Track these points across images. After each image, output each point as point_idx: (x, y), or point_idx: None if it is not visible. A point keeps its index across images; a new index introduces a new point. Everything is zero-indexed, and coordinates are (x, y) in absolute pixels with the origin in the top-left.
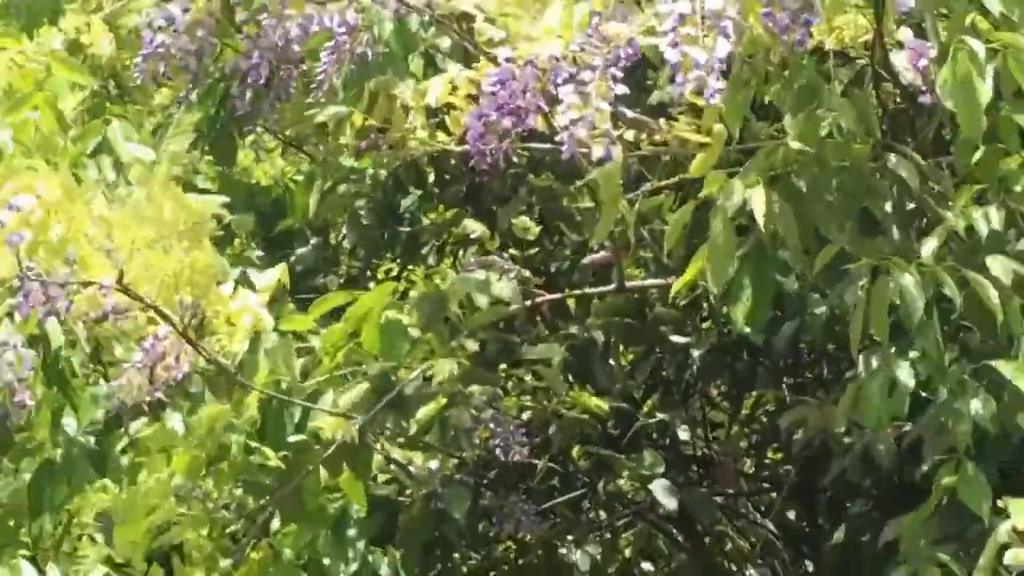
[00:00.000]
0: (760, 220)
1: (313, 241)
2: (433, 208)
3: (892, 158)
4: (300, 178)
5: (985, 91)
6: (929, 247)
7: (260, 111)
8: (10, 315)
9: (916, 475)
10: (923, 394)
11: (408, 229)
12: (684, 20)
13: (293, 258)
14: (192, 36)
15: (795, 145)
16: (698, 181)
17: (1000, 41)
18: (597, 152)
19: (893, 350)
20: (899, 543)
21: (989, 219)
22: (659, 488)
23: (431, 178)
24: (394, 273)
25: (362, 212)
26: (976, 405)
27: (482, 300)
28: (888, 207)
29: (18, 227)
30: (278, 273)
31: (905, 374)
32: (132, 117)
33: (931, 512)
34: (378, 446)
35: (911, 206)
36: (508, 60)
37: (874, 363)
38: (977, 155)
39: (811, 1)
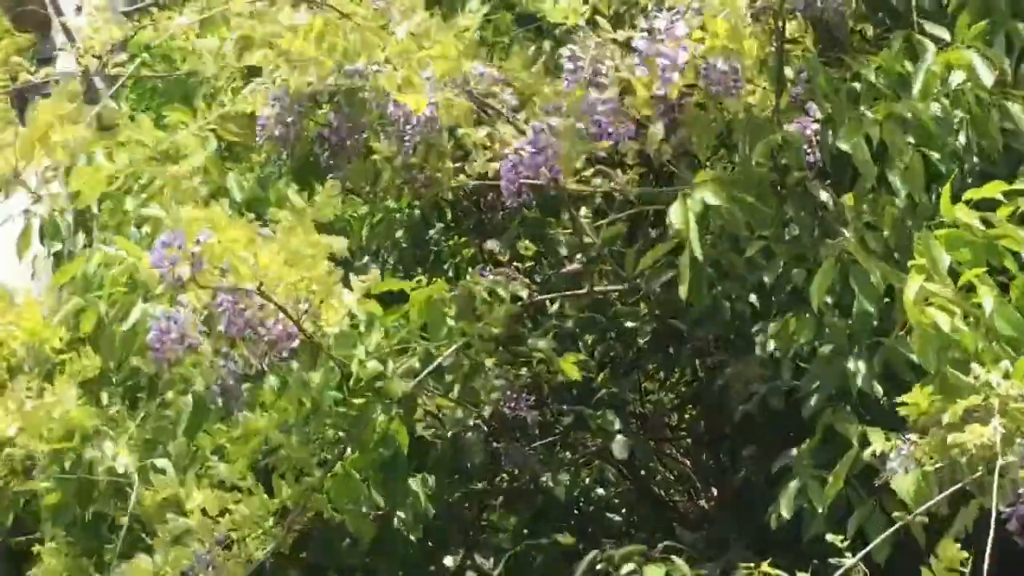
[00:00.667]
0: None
1: (366, 259)
2: (451, 237)
3: (811, 185)
4: (356, 215)
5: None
6: (833, 248)
7: (335, 167)
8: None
9: (796, 425)
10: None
11: (434, 249)
12: (655, 32)
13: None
14: (290, 111)
15: (756, 159)
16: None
17: (881, 111)
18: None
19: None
20: (785, 472)
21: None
22: (615, 444)
23: (449, 216)
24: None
25: (401, 239)
26: (859, 364)
27: (503, 296)
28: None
29: (203, 254)
30: (371, 280)
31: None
32: (241, 169)
33: (815, 445)
34: (421, 400)
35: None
36: (537, 131)
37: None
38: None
39: (735, 83)
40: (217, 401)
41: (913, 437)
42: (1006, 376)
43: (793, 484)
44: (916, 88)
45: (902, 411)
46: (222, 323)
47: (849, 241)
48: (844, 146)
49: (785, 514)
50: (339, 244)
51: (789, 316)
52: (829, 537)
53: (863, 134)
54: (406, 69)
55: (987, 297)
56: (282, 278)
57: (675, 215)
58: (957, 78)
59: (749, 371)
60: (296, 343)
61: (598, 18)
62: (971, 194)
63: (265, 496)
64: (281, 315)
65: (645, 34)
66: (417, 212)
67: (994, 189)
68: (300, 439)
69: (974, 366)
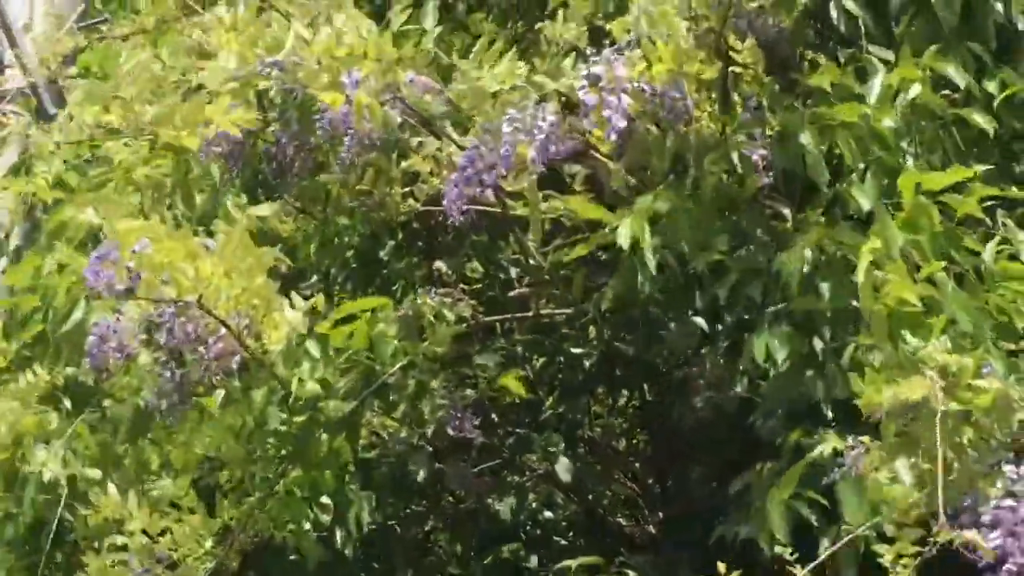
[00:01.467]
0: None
1: (316, 277)
2: (401, 257)
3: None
4: (305, 232)
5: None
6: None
7: (283, 185)
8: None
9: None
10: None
11: (384, 271)
12: (599, 79)
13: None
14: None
15: (712, 168)
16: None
17: (841, 112)
18: (532, 154)
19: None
20: (743, 493)
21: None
22: (560, 466)
23: (400, 235)
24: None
25: (351, 258)
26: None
27: (449, 317)
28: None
29: (138, 266)
30: (314, 301)
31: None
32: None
33: (782, 466)
34: (365, 419)
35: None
36: (475, 147)
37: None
38: None
39: (684, 108)
40: (156, 412)
41: (865, 439)
42: (948, 352)
43: (754, 507)
44: (872, 99)
45: (858, 402)
46: (162, 333)
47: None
48: (804, 140)
49: (764, 543)
50: (274, 254)
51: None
52: (778, 549)
53: (818, 139)
54: (328, 63)
55: (947, 288)
56: (223, 290)
57: (624, 229)
58: (915, 90)
59: (712, 372)
60: (239, 359)
61: (536, 77)
62: (930, 183)
63: (206, 515)
64: (223, 330)
65: (586, 84)
66: (367, 231)
67: (957, 176)
68: (243, 456)
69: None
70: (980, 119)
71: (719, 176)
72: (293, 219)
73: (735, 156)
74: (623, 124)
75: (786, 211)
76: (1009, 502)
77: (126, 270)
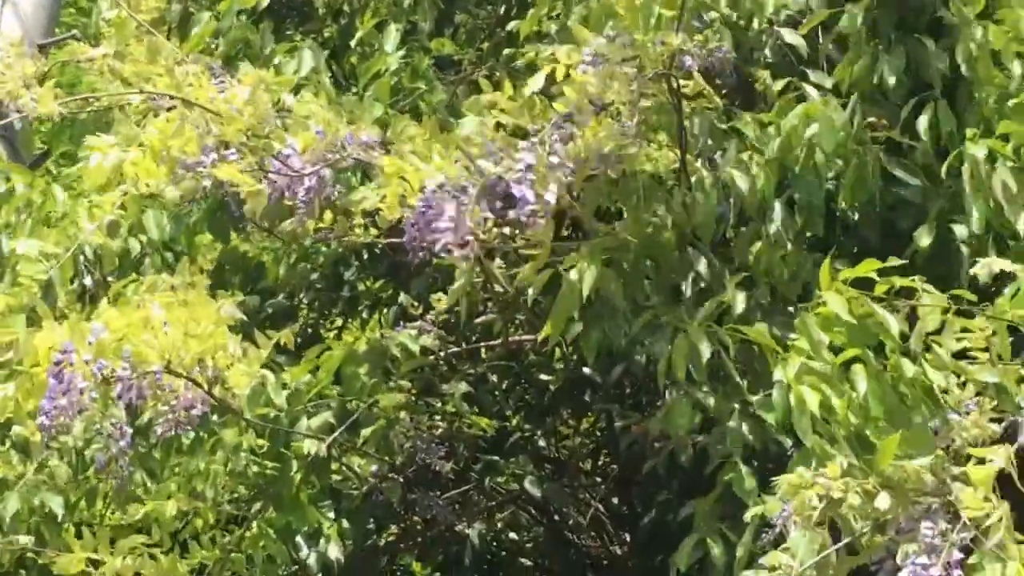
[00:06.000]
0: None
1: (281, 297)
2: (367, 279)
3: (691, 251)
4: (272, 251)
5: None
6: (702, 313)
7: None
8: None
9: (705, 474)
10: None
11: (349, 294)
12: (531, 167)
13: (269, 310)
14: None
15: (623, 235)
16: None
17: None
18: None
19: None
20: (692, 520)
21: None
22: (528, 482)
23: (365, 257)
24: (339, 324)
25: (316, 280)
26: (743, 428)
27: (415, 348)
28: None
29: (97, 355)
30: (278, 337)
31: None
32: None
33: (715, 499)
34: (334, 452)
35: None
36: (433, 190)
37: (675, 394)
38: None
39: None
40: (100, 467)
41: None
42: (843, 475)
43: (690, 539)
44: (775, 143)
45: (779, 491)
46: (116, 390)
47: (689, 320)
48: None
49: (681, 568)
50: (235, 312)
51: (671, 401)
52: None
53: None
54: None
55: (860, 377)
56: (188, 350)
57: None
58: (811, 130)
59: (654, 428)
60: (206, 407)
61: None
62: (847, 273)
63: (178, 556)
64: (190, 383)
65: (523, 174)
66: (333, 254)
67: (867, 268)
68: (214, 499)
69: (800, 470)
70: (901, 173)
71: (648, 223)
72: (260, 240)
73: (695, 178)
74: (543, 222)
75: (702, 267)
76: (924, 559)
77: (85, 363)
